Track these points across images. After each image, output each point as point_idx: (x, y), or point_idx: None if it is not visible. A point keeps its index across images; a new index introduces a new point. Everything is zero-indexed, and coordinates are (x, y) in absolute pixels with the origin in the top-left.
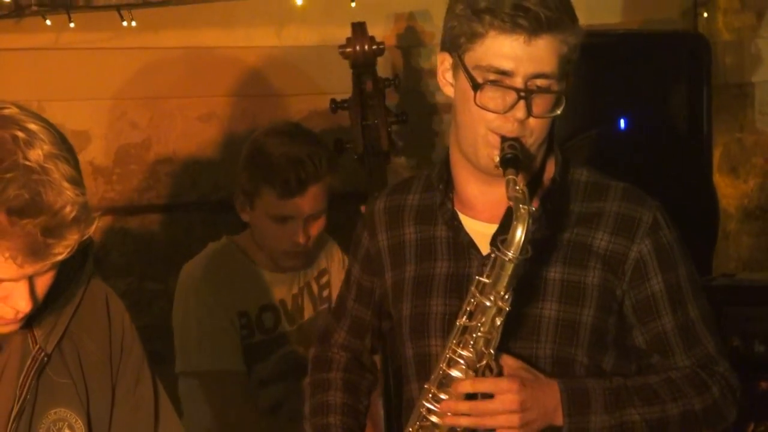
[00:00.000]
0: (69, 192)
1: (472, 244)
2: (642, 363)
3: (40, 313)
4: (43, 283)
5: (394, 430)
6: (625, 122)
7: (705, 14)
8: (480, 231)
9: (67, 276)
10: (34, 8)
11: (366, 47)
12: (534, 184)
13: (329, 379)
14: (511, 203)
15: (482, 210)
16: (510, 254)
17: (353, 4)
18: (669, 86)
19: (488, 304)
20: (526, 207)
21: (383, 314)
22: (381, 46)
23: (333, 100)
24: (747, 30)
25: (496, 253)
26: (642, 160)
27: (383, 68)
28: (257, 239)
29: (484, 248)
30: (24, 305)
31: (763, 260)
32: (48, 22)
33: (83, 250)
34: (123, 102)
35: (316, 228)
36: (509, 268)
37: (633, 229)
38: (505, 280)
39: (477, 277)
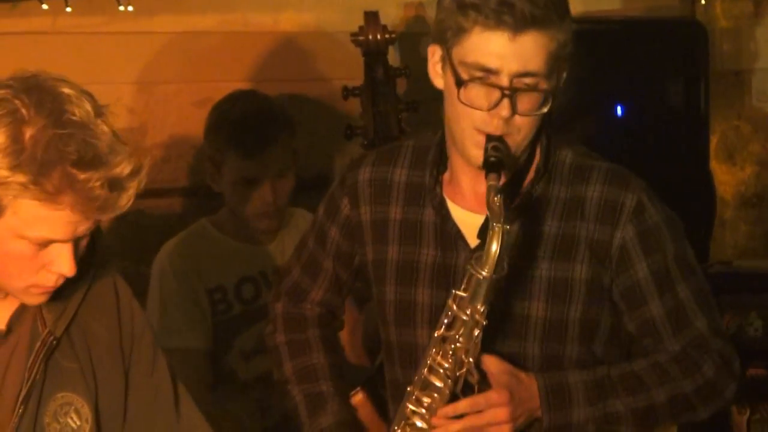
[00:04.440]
0: (120, 146)
1: (459, 235)
2: (635, 346)
3: (51, 296)
4: (81, 249)
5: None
6: (621, 109)
7: (703, 1)
8: (468, 221)
9: (79, 260)
10: None
11: (378, 36)
12: (520, 176)
13: (308, 339)
14: (488, 214)
15: (471, 200)
16: (484, 273)
17: None
18: (666, 73)
19: (465, 318)
20: (500, 225)
21: (359, 276)
22: (392, 35)
23: (345, 87)
24: (745, 17)
25: (471, 270)
26: (639, 147)
27: (391, 54)
28: (231, 207)
29: (472, 239)
30: (69, 268)
31: (759, 248)
32: (44, 7)
33: (91, 233)
34: (119, 87)
35: (285, 187)
36: (484, 286)
37: (616, 214)
38: (481, 297)
39: (454, 291)
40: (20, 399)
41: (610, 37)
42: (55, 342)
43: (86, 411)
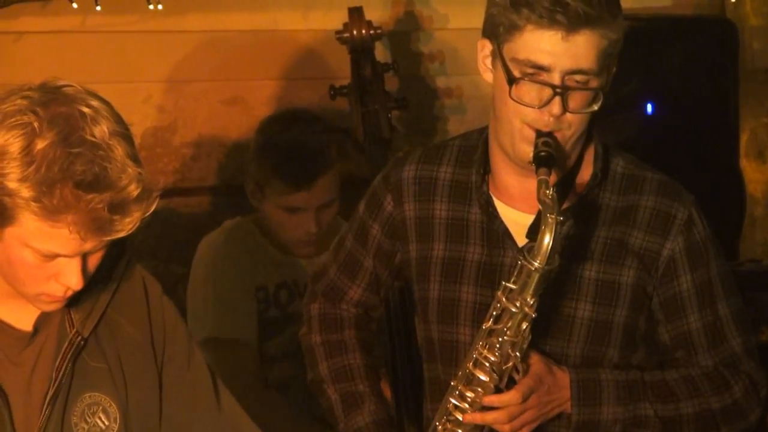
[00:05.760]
0: (132, 169)
1: (507, 234)
2: (667, 357)
3: (78, 296)
4: (93, 262)
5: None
6: (652, 107)
7: None
8: (515, 220)
9: (106, 260)
10: None
11: (363, 32)
12: (570, 177)
13: (344, 340)
14: (540, 207)
15: (519, 199)
16: (536, 264)
17: None
18: (696, 71)
19: (514, 310)
20: (554, 216)
21: (399, 276)
22: (378, 31)
23: (332, 86)
24: None
25: (522, 261)
26: (668, 144)
27: (382, 53)
28: (270, 227)
29: (520, 238)
30: (76, 282)
31: None
32: (74, 5)
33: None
34: (149, 85)
35: (328, 216)
36: (535, 277)
37: (667, 226)
38: (531, 288)
39: (503, 282)
40: (47, 399)
41: (640, 34)
42: (82, 342)
43: (114, 410)
